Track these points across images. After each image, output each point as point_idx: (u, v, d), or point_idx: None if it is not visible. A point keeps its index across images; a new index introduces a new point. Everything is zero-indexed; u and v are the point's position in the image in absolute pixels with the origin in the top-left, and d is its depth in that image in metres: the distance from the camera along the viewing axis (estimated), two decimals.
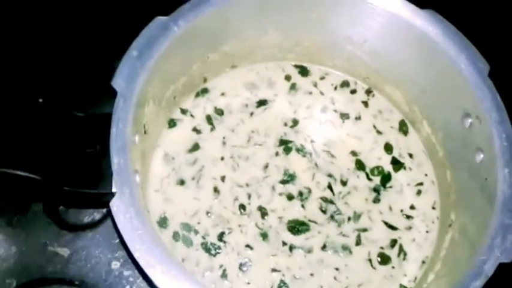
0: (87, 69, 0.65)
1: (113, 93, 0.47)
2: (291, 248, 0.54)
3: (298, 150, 0.59)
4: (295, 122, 0.60)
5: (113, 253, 0.57)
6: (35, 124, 0.47)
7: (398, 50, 0.56)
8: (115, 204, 0.41)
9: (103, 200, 0.45)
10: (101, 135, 0.45)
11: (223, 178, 0.57)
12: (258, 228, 0.55)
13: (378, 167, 0.58)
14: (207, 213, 0.55)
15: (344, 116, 0.61)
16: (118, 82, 0.46)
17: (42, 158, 0.44)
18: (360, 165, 0.58)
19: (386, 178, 0.58)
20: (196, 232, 0.54)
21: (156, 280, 0.40)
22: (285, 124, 0.60)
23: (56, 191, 0.44)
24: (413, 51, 0.55)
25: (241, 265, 0.53)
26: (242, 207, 0.56)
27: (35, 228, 0.58)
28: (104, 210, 0.59)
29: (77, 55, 0.66)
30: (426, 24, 0.52)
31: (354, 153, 0.59)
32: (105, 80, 0.51)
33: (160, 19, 0.49)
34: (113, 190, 0.42)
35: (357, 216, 0.56)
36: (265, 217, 0.55)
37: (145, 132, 0.51)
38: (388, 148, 0.60)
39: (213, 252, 0.53)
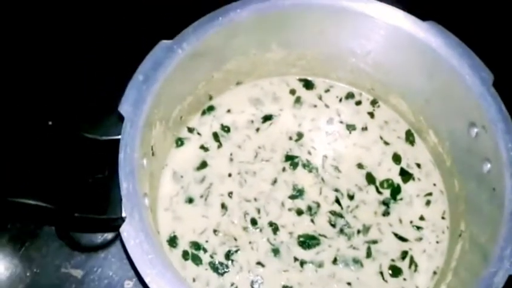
0: (96, 93, 0.66)
1: (120, 118, 0.47)
2: (302, 263, 0.54)
3: (304, 165, 0.59)
4: (299, 136, 0.61)
5: (125, 272, 0.58)
6: (45, 148, 0.48)
7: (401, 62, 0.56)
8: (125, 230, 0.42)
9: (113, 224, 0.45)
10: (110, 160, 0.46)
11: (230, 194, 0.57)
12: (270, 244, 0.55)
13: (387, 180, 0.58)
14: (215, 231, 0.55)
15: (350, 127, 0.61)
16: (125, 107, 0.46)
17: (52, 185, 0.45)
18: (370, 179, 0.58)
19: (396, 190, 0.58)
20: (205, 250, 0.54)
21: None
22: (290, 138, 0.60)
23: (67, 218, 0.44)
24: (416, 63, 0.55)
25: (252, 283, 0.53)
26: (253, 222, 0.56)
27: (48, 251, 0.59)
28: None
29: (87, 79, 0.67)
30: (428, 36, 0.52)
31: (360, 166, 0.59)
32: (113, 102, 0.51)
33: (164, 43, 0.50)
34: (123, 215, 0.43)
35: (366, 229, 0.56)
36: (277, 232, 0.55)
37: (153, 154, 0.52)
38: (397, 159, 0.60)
39: (220, 271, 0.54)
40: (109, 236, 0.60)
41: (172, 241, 0.55)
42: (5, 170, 0.44)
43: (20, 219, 0.59)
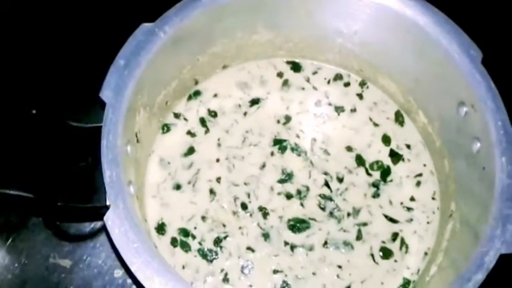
0: (78, 79, 0.65)
1: (101, 105, 0.46)
2: (293, 247, 0.54)
3: (292, 149, 0.58)
4: (287, 119, 0.60)
5: (114, 261, 0.57)
6: (27, 137, 0.47)
7: (389, 41, 0.55)
8: (109, 218, 0.41)
9: (98, 212, 0.45)
10: (92, 148, 0.45)
11: (218, 179, 0.56)
12: (260, 229, 0.54)
13: (377, 162, 0.58)
14: (203, 218, 0.55)
15: (339, 109, 0.61)
16: (106, 93, 0.45)
17: (34, 174, 0.44)
18: (359, 161, 0.58)
19: (386, 172, 0.57)
20: (194, 237, 0.54)
21: None
22: (278, 121, 0.60)
23: (50, 207, 0.43)
24: (404, 42, 0.54)
25: (243, 268, 0.53)
26: (243, 206, 0.55)
27: (36, 241, 0.58)
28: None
29: (68, 65, 0.66)
30: (416, 14, 0.51)
31: (349, 148, 0.59)
32: (97, 89, 0.50)
33: (145, 26, 0.49)
34: (107, 203, 0.42)
35: (356, 212, 0.56)
36: (267, 217, 0.55)
37: (138, 141, 0.51)
38: (386, 140, 0.59)
39: (209, 258, 0.53)
40: (97, 225, 0.59)
41: (161, 228, 0.54)
42: None
43: (4, 210, 0.58)
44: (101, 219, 0.56)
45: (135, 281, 0.40)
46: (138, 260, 0.40)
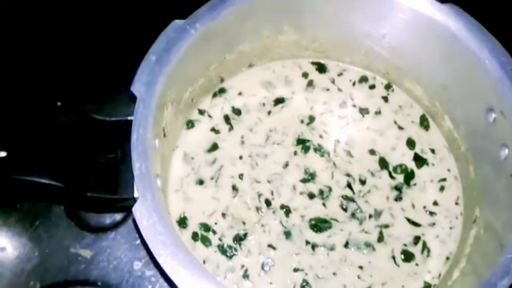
0: (104, 72, 0.65)
1: (132, 98, 0.47)
2: (314, 246, 0.54)
3: (316, 149, 0.58)
4: (311, 119, 0.60)
5: (134, 253, 0.58)
6: (55, 128, 0.48)
7: (418, 45, 0.55)
8: (138, 210, 0.42)
9: (124, 204, 0.45)
10: (121, 140, 0.46)
11: (241, 176, 0.57)
12: (282, 226, 0.55)
13: (401, 165, 0.58)
14: (223, 214, 0.55)
15: (363, 111, 0.61)
16: (137, 87, 0.46)
17: (64, 164, 0.44)
18: (383, 164, 0.58)
19: (410, 176, 0.57)
20: (214, 232, 0.54)
21: (179, 284, 0.40)
22: (302, 121, 0.60)
23: (78, 197, 0.44)
24: (434, 46, 0.53)
25: (263, 265, 0.53)
26: (267, 202, 0.55)
27: (57, 231, 0.59)
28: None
29: (93, 58, 0.67)
30: (447, 19, 0.51)
31: (373, 151, 0.59)
32: (122, 83, 0.51)
33: (177, 23, 0.49)
34: (135, 195, 0.42)
35: (378, 214, 0.56)
36: (289, 215, 0.55)
37: (164, 135, 0.51)
38: (411, 144, 0.59)
39: (228, 254, 0.53)
40: (118, 217, 0.60)
41: (182, 222, 0.54)
42: (17, 149, 0.44)
43: (31, 198, 0.59)
44: (127, 211, 0.57)
45: (161, 272, 0.40)
46: (165, 251, 0.40)
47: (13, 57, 0.66)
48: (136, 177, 0.43)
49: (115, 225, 0.59)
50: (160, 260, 0.40)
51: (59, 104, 0.65)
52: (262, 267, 0.53)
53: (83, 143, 0.46)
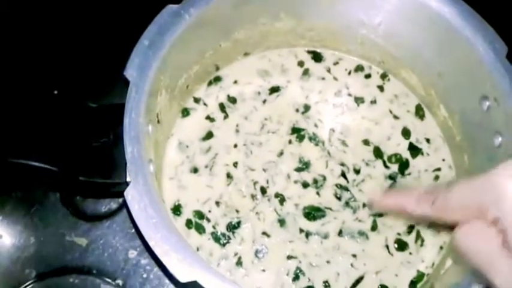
0: (100, 59, 0.65)
1: (125, 83, 0.47)
2: (308, 234, 0.54)
3: (310, 138, 0.58)
4: (306, 108, 0.60)
5: (129, 242, 0.58)
6: (50, 114, 0.48)
7: (413, 33, 0.55)
8: (129, 193, 0.42)
9: (118, 189, 0.45)
10: (114, 125, 0.46)
11: (235, 164, 0.57)
12: (276, 214, 0.55)
13: (396, 155, 0.58)
14: (217, 203, 0.55)
15: (359, 100, 0.60)
16: (130, 72, 0.46)
17: (57, 149, 0.44)
18: (378, 153, 0.58)
19: (404, 165, 0.57)
20: (208, 220, 0.54)
21: (171, 268, 0.40)
22: (297, 110, 0.60)
23: (72, 181, 0.44)
24: (429, 34, 0.53)
25: (257, 252, 0.53)
26: (262, 190, 0.55)
27: (53, 219, 0.59)
28: (120, 200, 0.60)
29: (89, 46, 0.66)
30: (441, 6, 0.51)
31: (368, 141, 0.58)
32: (118, 70, 0.51)
33: (171, 7, 0.49)
34: (127, 179, 0.42)
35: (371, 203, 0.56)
36: (284, 203, 0.55)
37: (158, 122, 0.51)
38: (406, 133, 0.59)
39: (222, 242, 0.53)
40: (113, 205, 0.60)
41: (177, 209, 0.54)
42: (11, 133, 0.44)
43: (25, 183, 0.59)
44: (121, 195, 0.57)
45: (155, 259, 0.40)
46: (157, 235, 0.40)
47: (10, 46, 0.66)
48: (128, 161, 0.43)
49: (110, 214, 0.59)
50: (151, 243, 0.40)
51: (55, 92, 0.65)
52: (256, 255, 0.53)
53: (76, 127, 0.46)
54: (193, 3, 0.49)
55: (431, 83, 0.57)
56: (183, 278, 0.39)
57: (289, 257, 0.53)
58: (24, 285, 0.56)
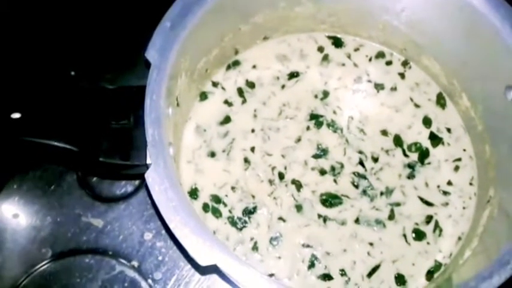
0: (116, 41, 0.65)
1: (145, 64, 0.46)
2: (325, 219, 0.54)
3: (329, 125, 0.58)
4: (325, 94, 0.59)
5: (145, 224, 0.58)
6: (69, 95, 0.48)
7: (438, 20, 0.54)
8: (150, 176, 0.42)
9: (136, 171, 0.45)
10: (134, 107, 0.45)
11: (252, 149, 0.56)
12: (294, 200, 0.54)
13: (416, 144, 0.57)
14: (232, 188, 0.55)
15: (379, 87, 0.60)
16: (151, 53, 0.45)
17: (78, 129, 0.44)
18: (397, 141, 0.57)
19: (424, 154, 0.57)
20: (225, 204, 0.54)
21: (191, 251, 0.40)
22: (316, 96, 0.59)
23: (92, 162, 0.44)
24: (454, 22, 0.52)
25: (271, 239, 0.53)
26: (280, 175, 0.55)
27: (69, 200, 0.60)
28: (136, 182, 0.60)
29: (108, 27, 0.66)
30: None
31: (386, 129, 0.58)
32: (134, 51, 0.50)
33: None
34: (148, 162, 0.42)
35: (389, 192, 0.55)
36: (300, 190, 0.55)
37: (177, 105, 0.51)
38: (427, 122, 0.58)
39: (239, 226, 0.53)
40: (129, 187, 0.60)
41: (193, 193, 0.54)
42: (31, 111, 0.44)
43: (45, 163, 0.59)
44: (139, 178, 0.57)
45: (173, 238, 0.40)
46: (176, 217, 0.40)
47: (28, 25, 0.66)
48: (149, 144, 0.42)
49: (126, 196, 0.60)
50: (171, 226, 0.40)
51: (72, 73, 0.65)
52: (271, 242, 0.53)
53: (96, 108, 0.46)
54: None
55: (455, 71, 0.56)
56: (203, 262, 0.39)
57: (304, 245, 0.53)
58: (40, 264, 0.57)
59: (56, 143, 0.42)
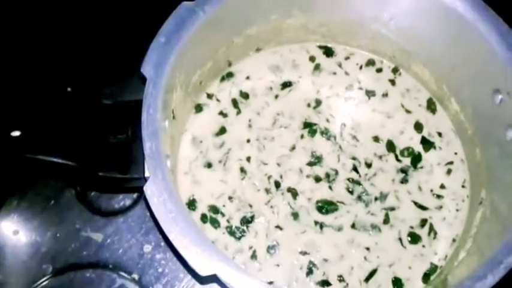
0: (111, 56, 0.66)
1: (140, 79, 0.47)
2: (322, 226, 0.54)
3: (322, 133, 0.59)
4: (318, 103, 0.60)
5: (144, 237, 0.59)
6: (67, 111, 0.48)
7: (425, 28, 0.55)
8: (149, 188, 0.42)
9: (135, 184, 0.46)
10: (132, 121, 0.46)
11: (248, 159, 0.57)
12: (290, 208, 0.55)
13: (408, 148, 0.58)
14: (230, 198, 0.56)
15: (370, 93, 0.61)
16: (147, 68, 0.46)
17: (76, 145, 0.45)
18: (390, 147, 0.58)
19: (417, 159, 0.58)
20: (222, 214, 0.55)
21: (191, 261, 0.41)
22: (308, 105, 0.60)
23: (91, 177, 0.45)
24: (441, 28, 0.54)
25: (269, 248, 0.54)
26: (276, 184, 0.56)
27: (69, 215, 0.60)
28: (135, 195, 0.61)
29: (103, 43, 0.67)
30: (454, 0, 0.51)
31: (379, 135, 0.59)
32: (130, 66, 0.51)
33: (186, 4, 0.49)
34: (146, 174, 0.43)
35: (383, 196, 0.56)
36: (296, 197, 0.56)
37: (173, 118, 0.52)
38: (418, 127, 0.59)
39: (237, 235, 0.54)
40: (128, 201, 0.60)
41: (192, 204, 0.55)
42: (31, 129, 0.44)
43: (44, 179, 0.60)
44: (138, 191, 0.58)
45: (173, 250, 0.41)
46: (176, 228, 0.41)
47: (25, 41, 0.67)
48: (147, 157, 0.43)
49: (125, 210, 0.60)
50: (171, 237, 0.41)
51: (69, 89, 0.65)
52: (268, 251, 0.54)
53: (94, 123, 0.47)
54: (207, 1, 0.50)
55: (444, 77, 0.58)
56: (203, 272, 0.40)
57: (302, 252, 0.54)
58: (41, 280, 0.57)
59: (55, 159, 0.43)
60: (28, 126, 0.44)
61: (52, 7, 0.69)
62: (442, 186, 0.57)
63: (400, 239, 0.54)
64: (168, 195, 0.42)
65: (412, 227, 0.55)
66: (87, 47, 0.67)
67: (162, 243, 0.58)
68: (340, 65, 0.62)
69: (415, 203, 0.56)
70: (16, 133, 0.43)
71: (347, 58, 0.62)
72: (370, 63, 0.62)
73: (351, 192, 0.56)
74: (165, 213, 0.41)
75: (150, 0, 0.68)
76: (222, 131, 0.59)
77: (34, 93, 0.54)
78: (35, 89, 0.62)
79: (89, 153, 0.45)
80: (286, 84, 0.61)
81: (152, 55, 0.47)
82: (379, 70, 0.62)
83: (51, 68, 0.66)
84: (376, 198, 0.56)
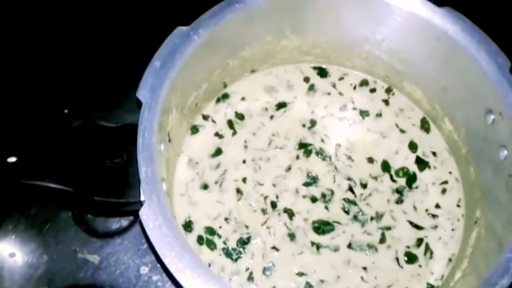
0: (110, 80, 0.66)
1: (136, 103, 0.48)
2: (318, 247, 0.55)
3: (317, 153, 0.59)
4: (312, 123, 0.61)
5: (141, 258, 0.59)
6: (63, 134, 0.49)
7: (417, 49, 0.56)
8: (144, 213, 0.42)
9: (131, 208, 0.46)
10: (127, 145, 0.47)
11: (244, 180, 0.57)
12: (286, 228, 0.55)
13: (403, 168, 0.58)
14: (226, 219, 0.56)
15: (364, 113, 0.61)
16: (142, 93, 0.47)
17: (72, 169, 0.45)
18: (385, 167, 0.58)
19: (412, 179, 0.58)
20: (219, 236, 0.55)
21: (186, 285, 0.41)
22: (303, 125, 0.61)
23: (87, 201, 0.45)
24: (432, 49, 0.54)
25: (265, 269, 0.54)
26: (273, 204, 0.56)
27: (65, 236, 0.60)
28: (131, 217, 0.61)
29: (101, 67, 0.68)
30: (445, 22, 0.52)
31: (374, 155, 0.59)
32: (125, 89, 0.52)
33: (181, 29, 0.50)
34: (142, 199, 0.43)
35: (379, 216, 0.56)
36: (293, 218, 0.56)
37: (169, 140, 0.52)
38: (413, 147, 0.60)
39: (234, 257, 0.54)
40: (124, 222, 0.61)
41: (188, 226, 0.55)
42: (26, 155, 0.45)
43: (40, 203, 0.60)
44: (134, 214, 0.58)
45: (168, 274, 0.41)
46: (171, 253, 0.41)
47: (19, 65, 0.68)
48: (142, 181, 0.44)
49: (122, 231, 0.60)
50: (166, 262, 0.41)
51: (66, 111, 0.66)
52: (264, 272, 0.54)
53: (89, 148, 0.47)
54: (201, 25, 0.51)
55: (436, 97, 0.58)
56: None
57: (299, 274, 0.54)
58: None
59: (51, 185, 0.43)
60: (24, 152, 0.44)
61: (50, 29, 0.70)
62: (437, 206, 0.57)
63: (397, 259, 0.54)
64: (163, 219, 0.42)
65: (408, 247, 0.55)
66: (84, 69, 0.67)
67: (159, 265, 0.58)
68: (334, 86, 0.63)
69: (411, 223, 0.56)
70: (12, 159, 0.43)
71: (341, 78, 0.63)
72: (364, 83, 0.63)
73: (347, 212, 0.57)
74: (160, 237, 0.42)
75: (146, 24, 0.69)
76: (218, 152, 0.59)
77: (30, 118, 0.55)
78: (31, 113, 0.63)
79: (84, 178, 0.45)
80: (281, 105, 0.62)
81: (148, 79, 0.47)
82: (372, 90, 0.63)
83: (47, 91, 0.66)
84: (372, 218, 0.56)
